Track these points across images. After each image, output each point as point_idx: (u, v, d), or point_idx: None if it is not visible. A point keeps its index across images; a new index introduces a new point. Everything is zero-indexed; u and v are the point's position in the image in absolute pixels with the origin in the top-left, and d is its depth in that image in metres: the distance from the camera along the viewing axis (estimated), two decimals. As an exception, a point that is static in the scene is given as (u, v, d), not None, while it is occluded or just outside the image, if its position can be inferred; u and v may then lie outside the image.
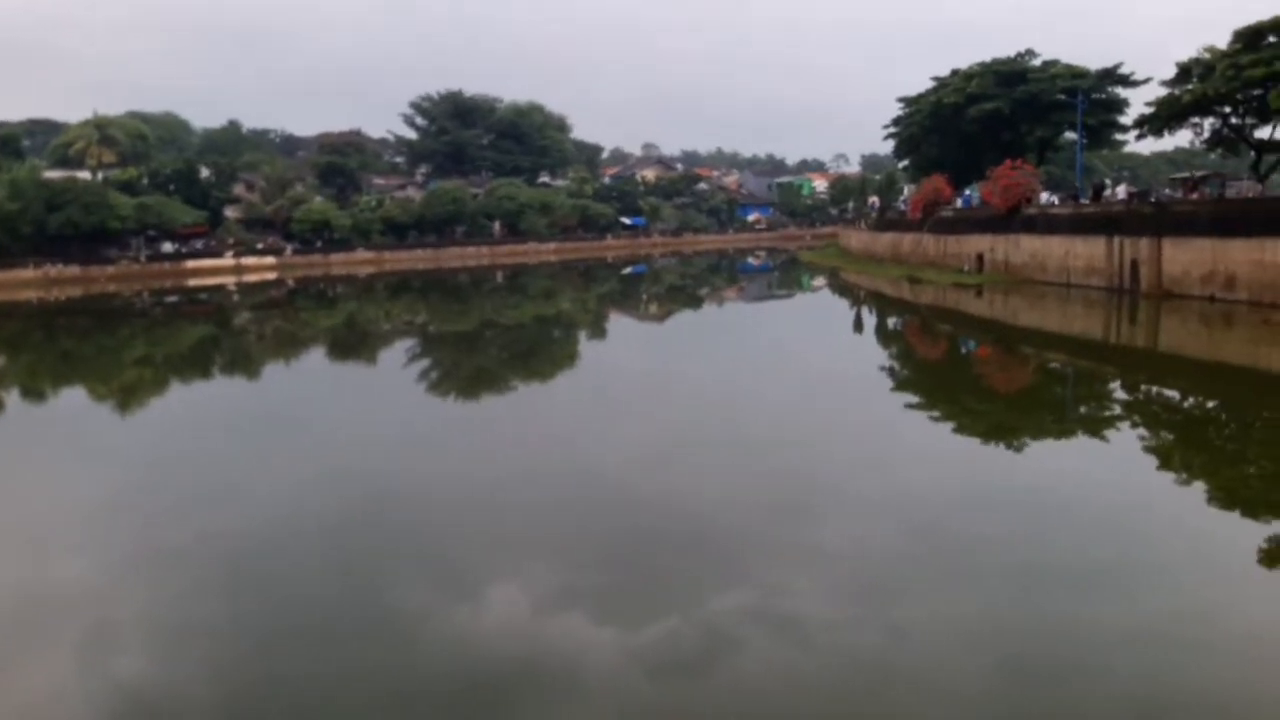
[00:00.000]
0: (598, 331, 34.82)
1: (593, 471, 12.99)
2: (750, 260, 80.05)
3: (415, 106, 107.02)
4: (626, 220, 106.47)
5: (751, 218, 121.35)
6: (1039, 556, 9.20)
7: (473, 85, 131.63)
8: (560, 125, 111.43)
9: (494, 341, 31.66)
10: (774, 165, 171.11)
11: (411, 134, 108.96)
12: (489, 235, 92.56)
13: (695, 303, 46.42)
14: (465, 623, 8.06)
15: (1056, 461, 13.49)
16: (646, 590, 8.58)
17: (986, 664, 7.05)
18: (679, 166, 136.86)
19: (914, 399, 18.93)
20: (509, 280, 62.30)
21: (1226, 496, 11.33)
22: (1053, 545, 9.53)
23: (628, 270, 71.94)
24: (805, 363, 24.03)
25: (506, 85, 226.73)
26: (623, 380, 21.95)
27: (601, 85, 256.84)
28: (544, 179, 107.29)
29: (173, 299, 52.33)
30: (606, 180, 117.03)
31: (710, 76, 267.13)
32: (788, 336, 30.96)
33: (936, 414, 17.32)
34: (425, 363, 26.27)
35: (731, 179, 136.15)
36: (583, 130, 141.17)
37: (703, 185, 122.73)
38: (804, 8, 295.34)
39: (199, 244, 72.69)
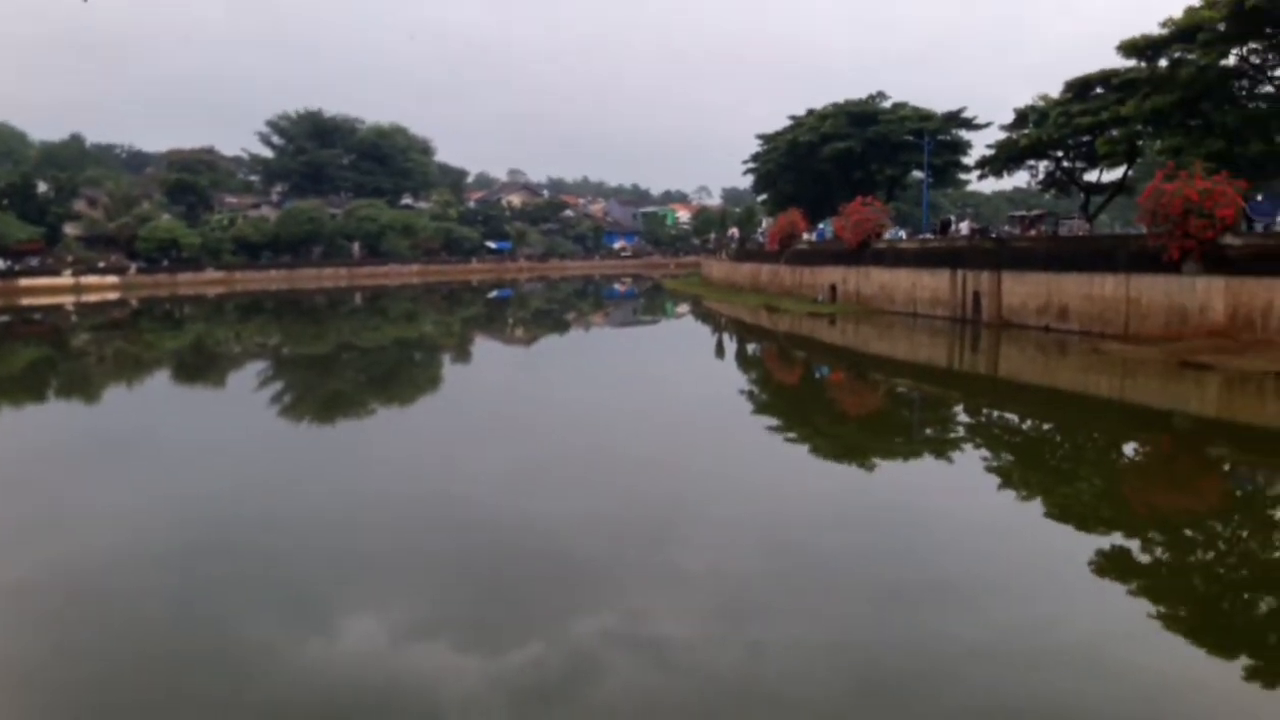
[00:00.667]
0: (462, 355, 34.33)
1: (451, 496, 12.67)
2: (616, 287, 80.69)
3: (272, 125, 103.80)
4: (492, 244, 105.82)
5: (617, 245, 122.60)
6: (891, 573, 9.50)
7: (335, 105, 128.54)
8: (424, 148, 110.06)
9: (352, 364, 30.77)
10: (639, 195, 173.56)
11: (268, 153, 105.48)
12: (348, 256, 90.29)
13: (562, 327, 46.40)
14: (315, 654, 7.70)
15: (906, 481, 14.03)
16: (505, 616, 8.35)
17: (842, 680, 7.17)
18: (545, 193, 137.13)
19: (773, 422, 19.40)
20: (369, 302, 60.80)
21: (1061, 512, 12.00)
22: (903, 561, 9.87)
23: (493, 294, 71.38)
24: (668, 386, 24.32)
25: (370, 107, 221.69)
26: (487, 404, 21.67)
27: (469, 109, 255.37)
28: (407, 201, 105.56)
29: (3, 318, 48.83)
30: (472, 204, 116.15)
31: (578, 106, 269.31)
32: (652, 361, 31.28)
33: (794, 436, 17.77)
34: (278, 386, 25.28)
35: (597, 207, 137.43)
36: (448, 154, 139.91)
37: (569, 212, 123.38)
38: (669, 44, 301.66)
39: (34, 261, 68.24)
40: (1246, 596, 9.05)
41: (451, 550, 10.30)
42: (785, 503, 12.37)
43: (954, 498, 12.81)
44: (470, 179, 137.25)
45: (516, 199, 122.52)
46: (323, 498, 12.54)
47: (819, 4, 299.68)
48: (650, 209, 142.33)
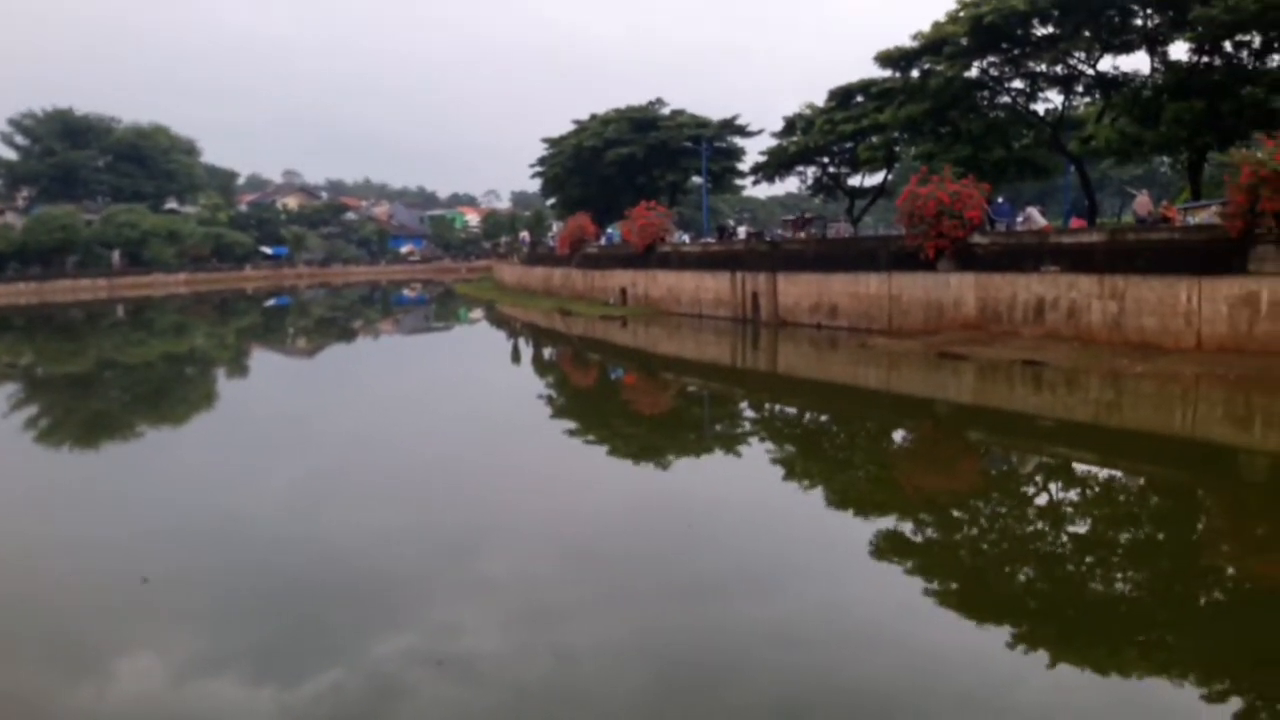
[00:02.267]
0: (239, 369, 32.49)
1: (234, 517, 11.97)
2: (405, 292, 78.72)
3: (15, 124, 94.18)
4: (268, 250, 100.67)
5: (404, 249, 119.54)
6: (689, 568, 9.81)
7: (87, 103, 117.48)
8: (189, 149, 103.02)
9: (115, 383, 28.46)
10: (425, 198, 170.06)
11: (11, 154, 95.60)
12: (107, 266, 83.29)
13: (348, 336, 44.81)
14: (87, 700, 7.14)
15: (700, 477, 14.56)
16: (299, 641, 8.00)
17: (648, 676, 7.33)
18: (324, 195, 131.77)
19: (571, 425, 19.60)
20: (132, 315, 56.44)
21: (841, 499, 12.84)
22: (700, 556, 10.23)
23: (270, 302, 67.94)
24: (463, 394, 24.03)
25: (126, 106, 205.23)
26: (268, 419, 20.60)
27: (238, 109, 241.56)
28: (171, 205, 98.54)
29: None
30: (243, 208, 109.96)
31: (357, 106, 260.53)
32: (447, 368, 30.79)
33: (592, 438, 18.03)
34: (32, 410, 23.03)
35: (381, 209, 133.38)
36: (216, 155, 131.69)
37: (351, 215, 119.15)
38: (452, 44, 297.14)
39: None
40: (1006, 569, 10.01)
41: (234, 576, 9.69)
42: (585, 504, 12.53)
43: (745, 490, 13.42)
44: (241, 181, 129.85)
45: (293, 201, 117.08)
46: (81, 526, 11.54)
47: (594, 11, 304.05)
48: (438, 212, 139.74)
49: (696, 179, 59.98)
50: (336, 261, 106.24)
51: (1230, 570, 9.89)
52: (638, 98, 62.59)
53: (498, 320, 49.37)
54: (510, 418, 20.24)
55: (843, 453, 16.68)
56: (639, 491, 13.67)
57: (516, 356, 34.01)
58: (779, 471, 14.66)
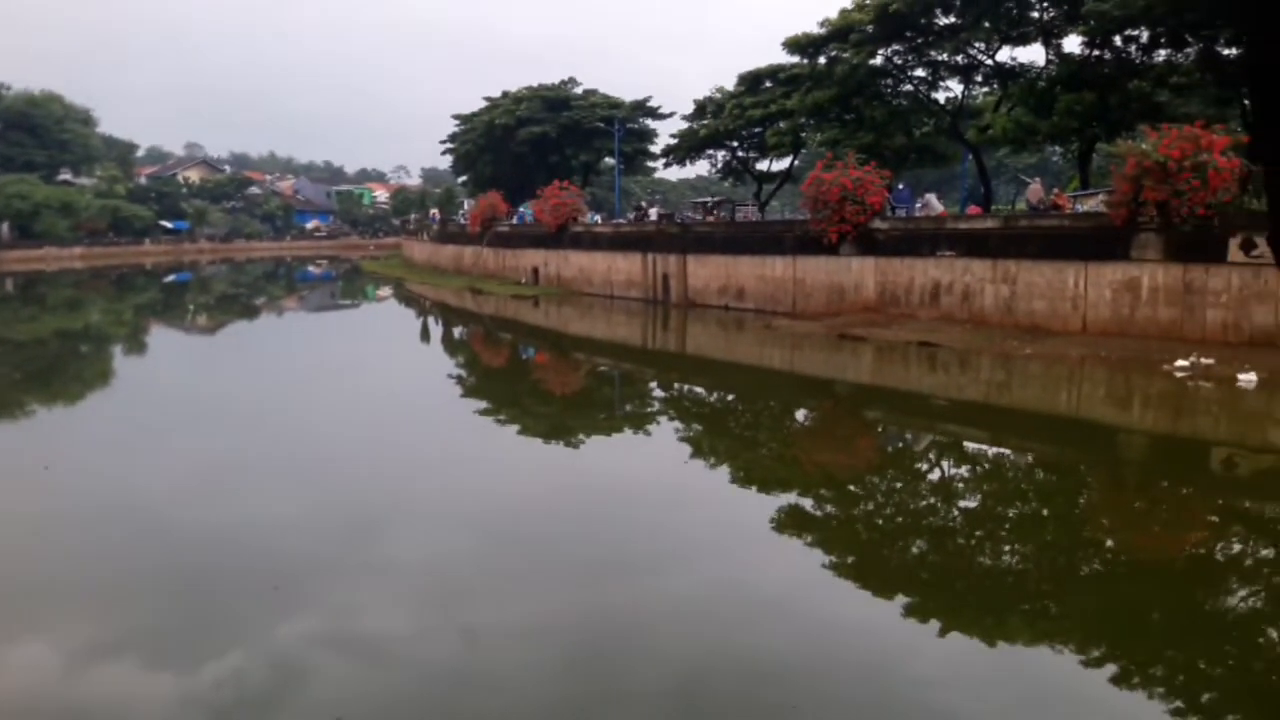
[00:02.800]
0: (135, 346, 31.42)
1: (128, 505, 11.66)
2: (311, 269, 76.90)
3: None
4: (168, 224, 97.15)
5: (310, 225, 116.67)
6: (599, 546, 9.97)
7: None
8: (85, 118, 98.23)
9: (3, 360, 27.31)
10: (333, 173, 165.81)
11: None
12: (-7, 239, 79.18)
13: (250, 313, 43.67)
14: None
15: (611, 456, 14.76)
16: (198, 628, 7.86)
17: (559, 656, 7.43)
18: (228, 168, 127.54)
19: (482, 404, 19.57)
20: (22, 290, 53.97)
21: (746, 476, 13.19)
22: (611, 534, 10.41)
23: (170, 278, 65.67)
24: (370, 373, 23.68)
25: (16, 70, 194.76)
26: (163, 399, 20.01)
27: (136, 78, 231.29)
28: (65, 176, 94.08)
29: None
30: (143, 180, 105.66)
31: (261, 78, 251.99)
32: (353, 347, 30.29)
33: (503, 417, 18.04)
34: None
35: (287, 184, 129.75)
36: (114, 125, 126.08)
37: (255, 189, 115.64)
38: (360, 17, 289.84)
39: None
40: (901, 543, 10.46)
41: (133, 563, 9.49)
42: (493, 484, 12.55)
43: (653, 469, 13.66)
44: (141, 153, 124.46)
45: (195, 175, 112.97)
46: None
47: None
48: (345, 188, 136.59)
49: (609, 160, 59.99)
50: (240, 237, 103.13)
51: (1109, 543, 10.52)
52: (551, 76, 61.97)
53: (406, 298, 48.70)
54: (418, 397, 20.12)
55: (747, 431, 17.07)
56: (548, 470, 13.77)
57: (426, 335, 33.67)
58: (686, 450, 14.95)
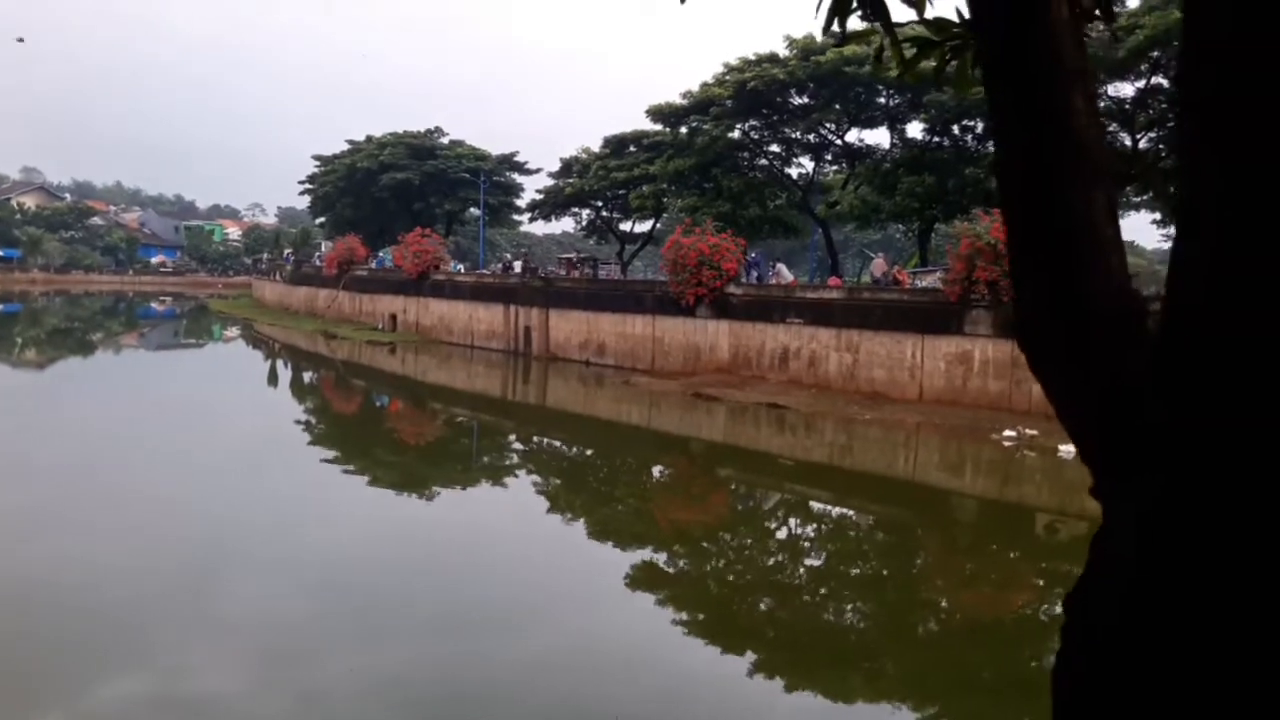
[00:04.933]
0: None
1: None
2: (154, 305, 73.12)
3: None
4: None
5: (156, 260, 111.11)
6: (453, 601, 9.93)
7: None
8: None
9: None
10: (183, 207, 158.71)
11: None
12: None
13: (85, 349, 41.19)
14: None
15: (465, 508, 14.69)
16: (23, 688, 7.43)
17: (402, 713, 7.34)
18: (68, 196, 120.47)
19: (330, 453, 19.08)
20: None
21: (602, 531, 13.38)
22: (464, 589, 10.39)
23: (-2, 309, 61.32)
24: (211, 417, 22.75)
25: None
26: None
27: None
28: None
29: None
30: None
31: (109, 105, 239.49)
32: (194, 388, 28.98)
33: (351, 467, 17.62)
34: None
35: (132, 216, 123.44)
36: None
37: (97, 220, 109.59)
38: (217, 49, 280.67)
39: None
40: (750, 599, 10.85)
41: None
42: (343, 536, 12.26)
43: (512, 522, 13.68)
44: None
45: (31, 201, 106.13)
46: None
47: (376, 30, 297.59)
48: (196, 223, 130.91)
49: (475, 210, 59.85)
50: (78, 268, 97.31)
51: (943, 603, 11.21)
52: (418, 124, 61.59)
53: (255, 340, 46.96)
54: (261, 443, 19.45)
55: (604, 486, 17.30)
56: (400, 523, 13.57)
57: (274, 379, 32.56)
58: (544, 503, 15.04)
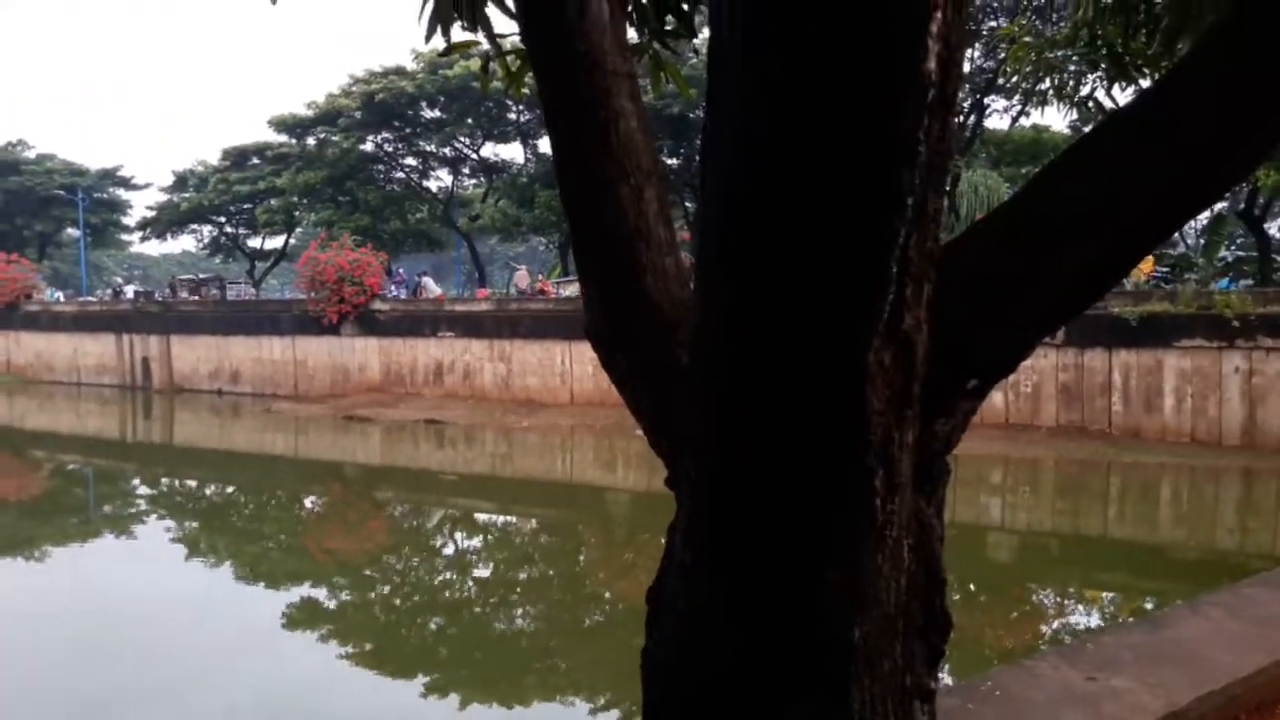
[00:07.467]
0: None
1: None
2: None
3: None
4: None
5: None
6: (84, 677, 8.81)
7: None
8: None
9: None
10: None
11: None
12: None
13: None
14: None
15: (89, 567, 12.96)
16: None
17: None
18: None
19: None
20: None
21: (253, 573, 12.42)
22: (97, 663, 9.21)
23: None
24: None
25: None
26: None
27: None
28: None
29: None
30: None
31: None
32: None
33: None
34: None
35: None
36: None
37: None
38: None
39: None
40: (419, 621, 10.58)
41: None
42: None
43: (147, 576, 12.27)
44: None
45: None
46: None
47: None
48: None
49: (73, 231, 53.11)
50: None
51: (607, 593, 11.64)
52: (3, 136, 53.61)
53: None
54: None
55: (251, 524, 16.08)
56: (6, 593, 11.74)
57: None
58: (182, 550, 13.67)
